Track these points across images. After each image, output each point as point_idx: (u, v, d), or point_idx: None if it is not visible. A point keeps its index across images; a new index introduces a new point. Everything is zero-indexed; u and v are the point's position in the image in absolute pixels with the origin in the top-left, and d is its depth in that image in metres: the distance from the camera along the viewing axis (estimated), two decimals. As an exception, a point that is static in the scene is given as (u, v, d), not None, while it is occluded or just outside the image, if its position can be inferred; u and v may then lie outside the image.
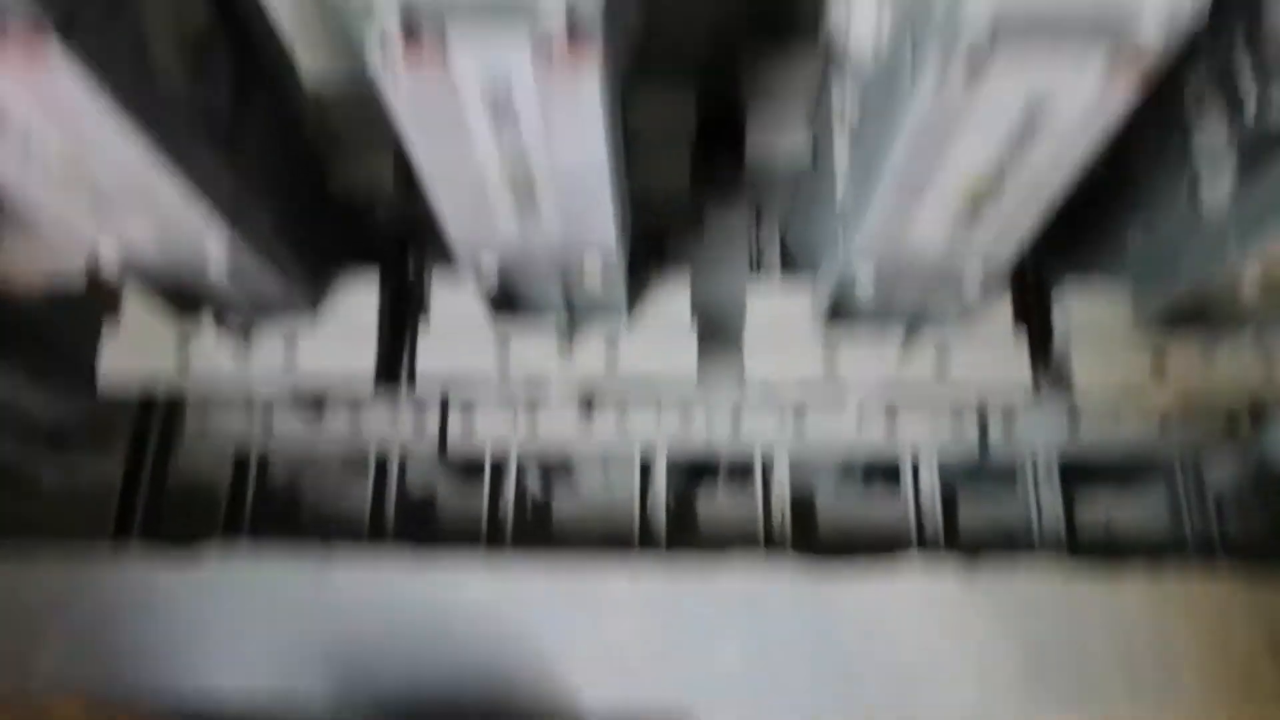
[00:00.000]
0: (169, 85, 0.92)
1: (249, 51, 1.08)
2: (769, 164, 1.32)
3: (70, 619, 1.23)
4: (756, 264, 1.52)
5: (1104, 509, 1.52)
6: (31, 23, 0.71)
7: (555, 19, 0.68)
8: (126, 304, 1.27)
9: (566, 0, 0.67)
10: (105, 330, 1.27)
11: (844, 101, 1.08)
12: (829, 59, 1.09)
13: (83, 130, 0.84)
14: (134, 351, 1.27)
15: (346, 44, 1.54)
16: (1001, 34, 0.70)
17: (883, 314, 1.18)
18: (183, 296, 1.19)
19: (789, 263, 1.53)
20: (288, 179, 1.15)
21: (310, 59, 1.24)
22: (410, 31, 0.72)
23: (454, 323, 1.22)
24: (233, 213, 0.99)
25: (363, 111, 1.29)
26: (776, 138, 1.26)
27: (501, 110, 0.81)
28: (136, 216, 0.99)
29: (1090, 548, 1.49)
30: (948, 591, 1.20)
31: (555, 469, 1.71)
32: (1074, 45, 0.71)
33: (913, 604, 1.19)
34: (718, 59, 1.28)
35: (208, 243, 1.02)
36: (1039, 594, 1.19)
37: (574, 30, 0.70)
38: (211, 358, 1.23)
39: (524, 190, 0.91)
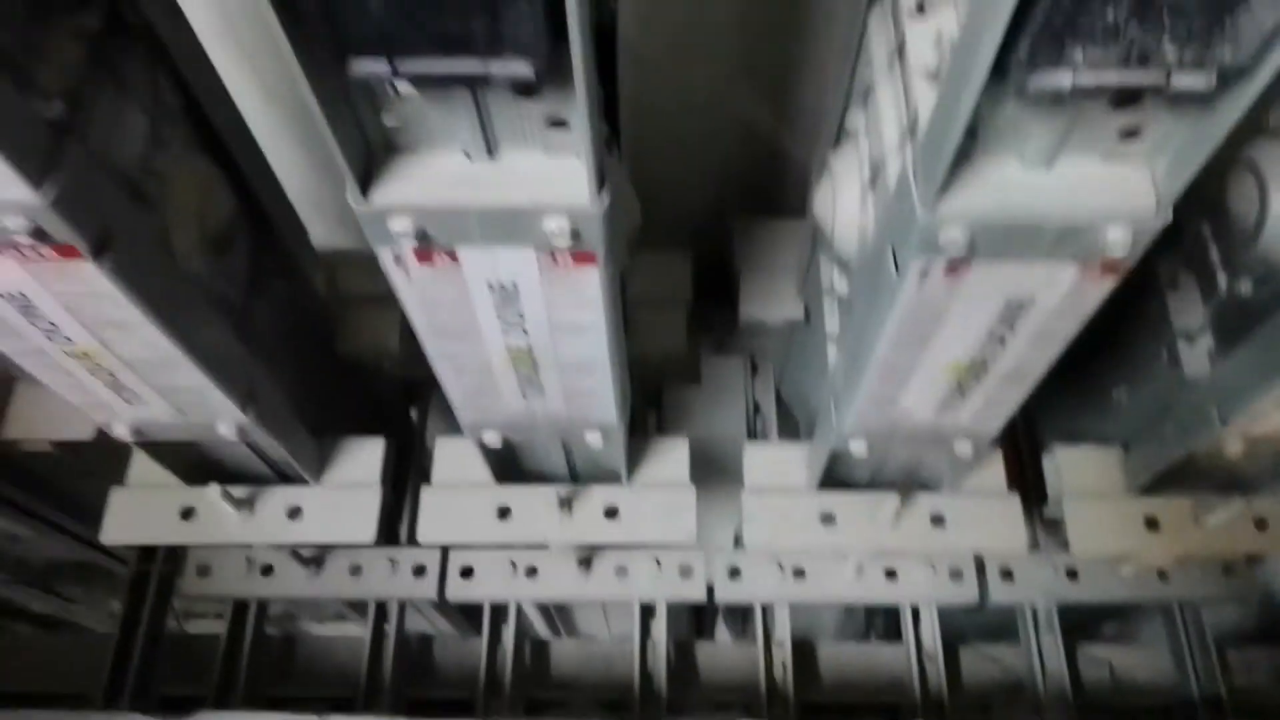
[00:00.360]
0: (190, 274, 0.96)
1: (265, 230, 1.13)
2: (762, 320, 1.37)
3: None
4: (753, 413, 1.56)
5: (1107, 656, 1.52)
6: (67, 244, 0.76)
7: (560, 241, 0.73)
8: (134, 463, 1.29)
9: (570, 226, 0.72)
10: (112, 490, 1.29)
11: (831, 276, 1.13)
12: (816, 238, 1.14)
13: (107, 323, 0.88)
14: (138, 510, 1.28)
15: (355, 221, 1.61)
16: (978, 249, 0.74)
17: (877, 481, 1.21)
18: (191, 467, 1.21)
19: (784, 409, 1.57)
20: (298, 352, 1.19)
21: (321, 232, 1.30)
22: (423, 244, 0.76)
23: (455, 487, 1.23)
24: (246, 394, 1.03)
25: (369, 277, 1.34)
26: (769, 302, 1.31)
27: (508, 304, 0.85)
28: (153, 396, 1.02)
29: (1095, 694, 1.48)
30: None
31: (556, 611, 1.71)
32: (1048, 257, 0.76)
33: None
34: (713, 229, 1.34)
35: (221, 421, 1.05)
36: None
37: (578, 248, 0.75)
38: (215, 521, 1.25)
39: (528, 374, 0.95)
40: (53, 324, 0.90)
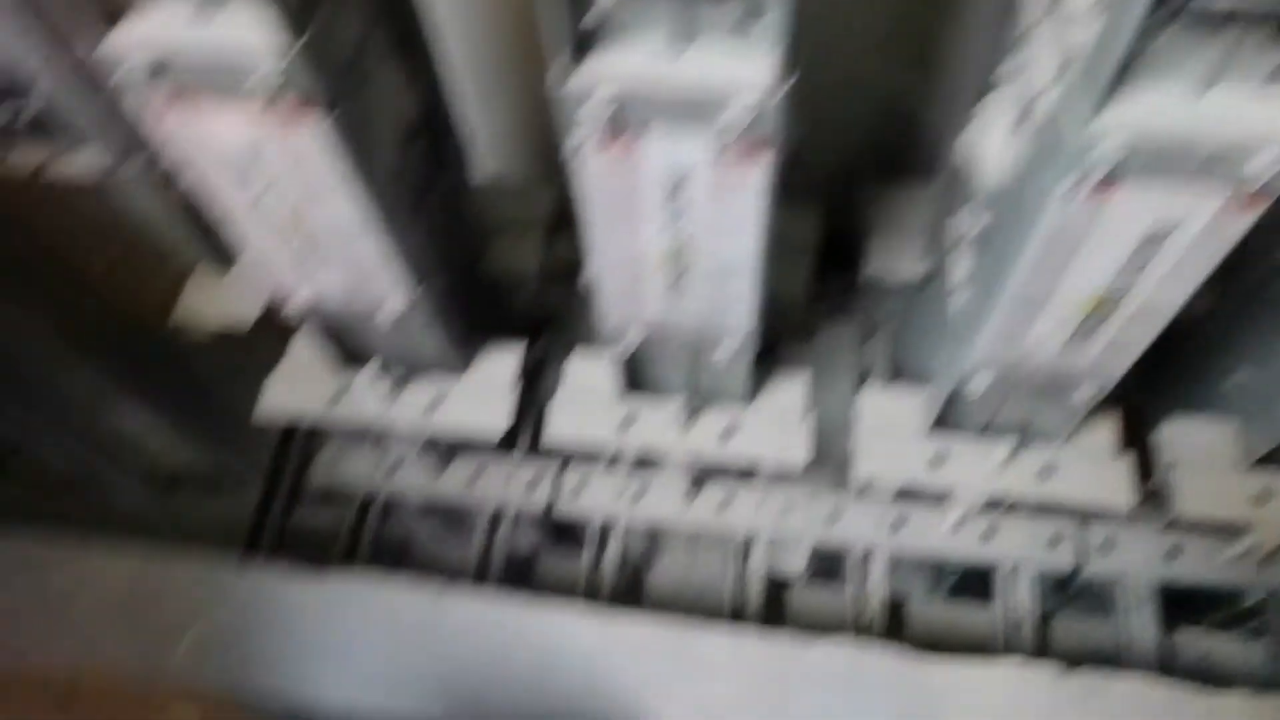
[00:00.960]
0: (385, 160, 1.07)
1: (440, 138, 1.24)
2: (885, 278, 1.42)
3: (202, 624, 1.33)
4: (863, 378, 1.61)
5: (1203, 641, 1.51)
6: (305, 96, 0.87)
7: (741, 126, 0.80)
8: (294, 344, 1.41)
9: (752, 111, 0.79)
10: (268, 377, 1.41)
11: (965, 224, 1.17)
12: (952, 187, 1.19)
13: (315, 187, 1.00)
14: (291, 391, 1.40)
15: (516, 148, 1.73)
16: (1126, 168, 0.79)
17: (990, 427, 1.25)
18: (351, 347, 1.33)
19: (897, 378, 1.61)
20: (459, 254, 1.30)
21: (485, 157, 1.41)
22: (615, 125, 0.85)
23: (583, 395, 1.32)
24: (418, 276, 1.13)
25: (518, 204, 1.46)
26: (893, 261, 1.36)
27: (674, 198, 0.93)
28: (334, 268, 1.13)
29: (1186, 678, 1.47)
30: (1045, 682, 1.21)
31: (655, 537, 1.78)
32: (1194, 183, 0.80)
33: (1011, 691, 1.20)
34: (836, 197, 1.40)
35: (389, 300, 1.16)
36: (1136, 700, 1.19)
37: (754, 136, 0.82)
38: (361, 405, 1.36)
39: (678, 273, 1.03)
40: (266, 185, 1.01)
